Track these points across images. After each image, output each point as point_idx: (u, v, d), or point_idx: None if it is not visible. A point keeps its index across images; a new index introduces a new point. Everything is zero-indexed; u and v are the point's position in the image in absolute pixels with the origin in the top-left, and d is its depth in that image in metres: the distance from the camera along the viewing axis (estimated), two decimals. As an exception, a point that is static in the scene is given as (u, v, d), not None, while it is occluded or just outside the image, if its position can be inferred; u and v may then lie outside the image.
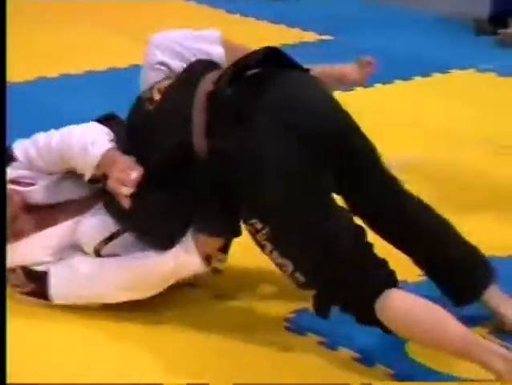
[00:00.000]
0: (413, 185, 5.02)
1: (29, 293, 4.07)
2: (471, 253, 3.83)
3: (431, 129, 6.12)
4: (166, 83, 3.95)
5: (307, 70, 3.96)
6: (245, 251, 4.00)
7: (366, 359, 3.63)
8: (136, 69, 5.24)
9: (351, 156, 3.74)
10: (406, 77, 7.06)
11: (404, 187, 3.90)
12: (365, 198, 3.83)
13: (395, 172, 4.72)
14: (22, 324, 3.90)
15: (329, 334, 3.76)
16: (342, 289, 3.54)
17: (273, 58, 3.83)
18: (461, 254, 3.81)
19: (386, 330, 3.53)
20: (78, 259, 3.96)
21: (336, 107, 3.82)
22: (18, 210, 4.10)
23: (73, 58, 7.60)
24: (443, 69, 7.24)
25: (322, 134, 3.65)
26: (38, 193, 4.08)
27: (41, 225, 4.09)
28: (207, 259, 3.84)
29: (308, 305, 3.85)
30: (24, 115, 4.97)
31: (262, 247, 3.62)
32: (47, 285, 3.97)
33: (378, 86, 6.76)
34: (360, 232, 3.61)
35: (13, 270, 4.04)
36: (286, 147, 3.58)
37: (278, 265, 3.62)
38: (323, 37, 8.09)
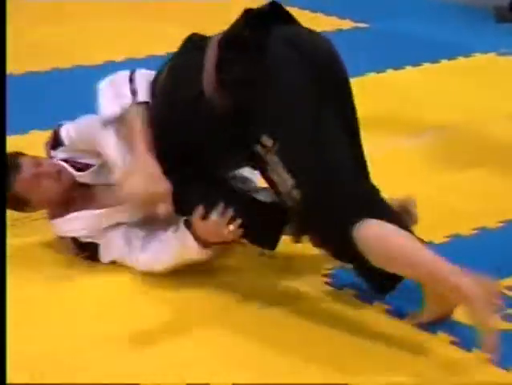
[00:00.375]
0: (446, 148, 5.37)
1: (83, 257, 4.13)
2: None
3: (457, 106, 6.09)
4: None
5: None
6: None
7: (395, 311, 3.65)
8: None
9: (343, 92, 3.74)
10: (434, 60, 6.99)
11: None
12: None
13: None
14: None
15: (363, 288, 3.76)
16: (327, 211, 3.52)
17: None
18: None
19: (360, 265, 3.51)
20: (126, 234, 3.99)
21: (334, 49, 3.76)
22: (67, 186, 4.14)
23: (115, 45, 7.56)
24: (467, 53, 7.18)
25: (326, 65, 3.64)
26: (85, 176, 4.11)
27: (84, 204, 4.11)
28: (205, 244, 3.79)
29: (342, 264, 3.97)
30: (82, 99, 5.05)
31: (268, 165, 3.58)
32: (99, 253, 4.04)
33: (408, 68, 6.81)
34: (359, 167, 3.64)
35: (62, 238, 4.16)
36: (298, 71, 3.57)
37: (277, 182, 3.59)
38: (359, 24, 8.03)
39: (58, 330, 3.70)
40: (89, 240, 4.02)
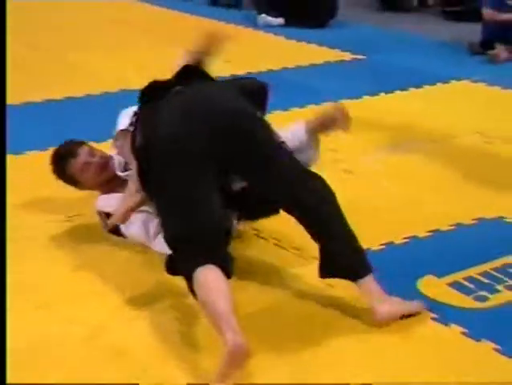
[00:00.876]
0: (419, 162, 5.44)
1: (109, 231, 4.23)
2: (351, 248, 3.65)
3: (435, 123, 6.18)
4: None
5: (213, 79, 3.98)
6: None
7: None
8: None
9: (246, 144, 3.66)
10: (418, 85, 7.12)
11: (310, 183, 3.71)
12: (263, 185, 3.77)
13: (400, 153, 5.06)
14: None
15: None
16: (182, 259, 3.50)
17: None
18: (341, 247, 3.63)
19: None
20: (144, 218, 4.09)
21: (229, 102, 3.77)
22: (109, 176, 4.37)
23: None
24: (445, 80, 7.31)
25: (222, 124, 3.62)
26: (123, 174, 4.29)
27: (118, 190, 4.24)
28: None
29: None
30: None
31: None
32: (121, 229, 4.15)
33: (397, 92, 6.98)
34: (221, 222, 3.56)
35: (99, 213, 4.31)
36: (185, 140, 3.60)
37: None
38: (358, 56, 8.07)
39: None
40: None
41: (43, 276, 4.09)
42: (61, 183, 4.48)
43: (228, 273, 3.39)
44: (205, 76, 3.99)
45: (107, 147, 4.55)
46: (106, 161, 4.40)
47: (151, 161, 3.64)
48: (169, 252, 3.68)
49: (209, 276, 3.39)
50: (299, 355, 3.39)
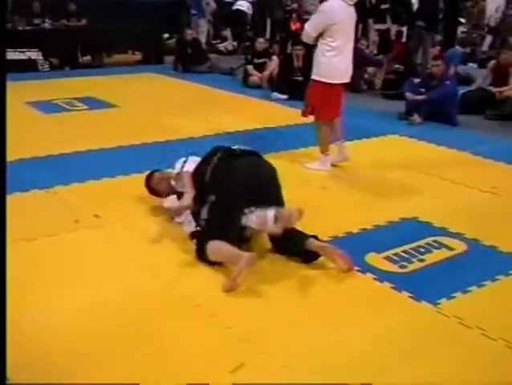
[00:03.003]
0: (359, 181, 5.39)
1: (170, 218, 4.29)
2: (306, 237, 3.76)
3: (373, 162, 6.06)
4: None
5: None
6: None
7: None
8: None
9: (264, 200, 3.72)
10: (367, 137, 7.06)
11: None
12: None
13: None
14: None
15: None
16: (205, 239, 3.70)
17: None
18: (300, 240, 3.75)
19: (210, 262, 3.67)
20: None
21: (265, 172, 3.87)
22: (170, 189, 4.39)
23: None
24: (383, 134, 7.23)
25: (257, 181, 3.77)
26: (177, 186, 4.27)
27: (176, 195, 4.25)
28: None
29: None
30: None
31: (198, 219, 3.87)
32: (174, 218, 4.26)
33: (355, 140, 6.82)
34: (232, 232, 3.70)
35: (168, 209, 4.31)
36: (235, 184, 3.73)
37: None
38: None
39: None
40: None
41: (147, 245, 4.08)
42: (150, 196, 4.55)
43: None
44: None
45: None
46: (168, 181, 4.46)
47: (214, 189, 3.82)
48: (190, 230, 3.96)
49: (218, 242, 3.62)
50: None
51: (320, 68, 5.47)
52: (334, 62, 5.42)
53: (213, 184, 3.85)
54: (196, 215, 3.99)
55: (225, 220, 3.74)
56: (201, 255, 3.73)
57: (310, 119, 5.92)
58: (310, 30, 5.41)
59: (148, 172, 4.66)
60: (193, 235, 4.00)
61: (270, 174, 3.89)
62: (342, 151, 5.93)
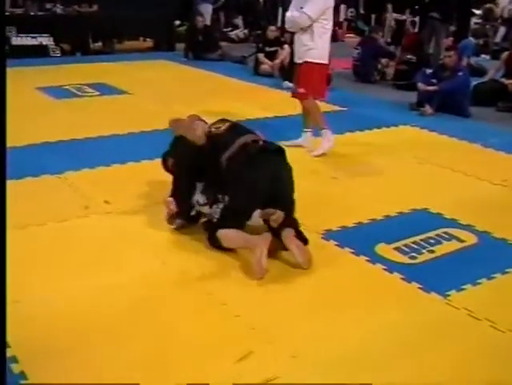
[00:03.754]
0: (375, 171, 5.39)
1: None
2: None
3: (384, 153, 6.04)
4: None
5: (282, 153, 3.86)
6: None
7: (356, 252, 3.83)
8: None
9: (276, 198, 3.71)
10: (378, 127, 7.04)
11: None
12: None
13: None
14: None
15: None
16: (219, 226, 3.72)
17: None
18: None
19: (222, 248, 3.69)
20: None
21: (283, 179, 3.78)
22: None
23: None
24: (395, 124, 7.22)
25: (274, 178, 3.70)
26: None
27: None
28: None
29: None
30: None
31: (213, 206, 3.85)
32: None
33: (366, 131, 6.91)
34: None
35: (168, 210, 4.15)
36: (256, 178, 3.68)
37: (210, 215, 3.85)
38: (342, 108, 7.93)
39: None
40: None
41: (157, 232, 4.06)
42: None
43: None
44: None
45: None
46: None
47: (231, 187, 3.81)
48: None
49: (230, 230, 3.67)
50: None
51: (317, 51, 5.63)
52: (327, 44, 5.68)
53: (230, 179, 3.79)
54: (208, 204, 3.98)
55: (239, 220, 3.77)
56: (214, 242, 3.73)
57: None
58: (313, 14, 5.48)
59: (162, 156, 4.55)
60: (205, 225, 3.97)
61: (288, 181, 3.83)
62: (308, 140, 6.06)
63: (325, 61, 5.76)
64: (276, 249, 3.71)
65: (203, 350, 2.84)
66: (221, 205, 3.81)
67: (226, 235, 3.68)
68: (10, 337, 2.60)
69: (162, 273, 3.54)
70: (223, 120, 4.12)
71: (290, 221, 3.76)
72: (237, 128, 4.03)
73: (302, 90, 5.85)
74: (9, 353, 2.67)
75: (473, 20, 14.24)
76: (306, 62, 5.68)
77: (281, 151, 3.87)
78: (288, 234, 3.67)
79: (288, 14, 5.69)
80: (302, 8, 5.52)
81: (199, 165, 3.98)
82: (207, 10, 13.51)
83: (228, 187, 3.80)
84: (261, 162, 3.73)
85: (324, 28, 5.61)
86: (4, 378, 2.16)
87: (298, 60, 5.78)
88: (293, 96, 6.11)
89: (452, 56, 8.12)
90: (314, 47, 5.61)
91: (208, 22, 13.04)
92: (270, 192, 3.70)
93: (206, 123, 4.21)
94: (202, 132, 4.03)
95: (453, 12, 11.04)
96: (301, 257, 3.60)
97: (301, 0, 5.56)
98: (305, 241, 3.72)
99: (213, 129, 4.02)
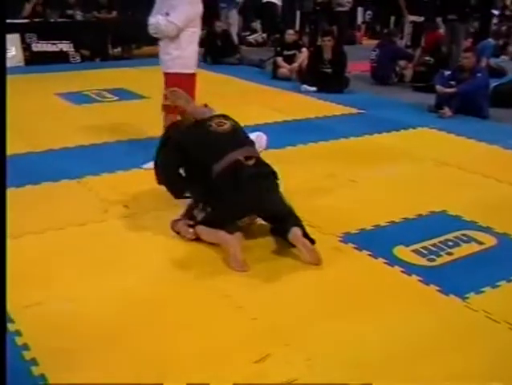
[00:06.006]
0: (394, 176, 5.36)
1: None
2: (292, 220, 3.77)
3: (403, 154, 6.07)
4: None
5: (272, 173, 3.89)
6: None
7: (374, 255, 3.83)
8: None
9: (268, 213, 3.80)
10: (397, 129, 7.00)
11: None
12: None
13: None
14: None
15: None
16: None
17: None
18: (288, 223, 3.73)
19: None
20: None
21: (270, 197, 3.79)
22: None
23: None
24: (414, 126, 7.18)
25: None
26: None
27: None
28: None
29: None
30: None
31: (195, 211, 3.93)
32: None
33: (384, 133, 6.87)
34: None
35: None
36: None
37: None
38: (360, 110, 7.93)
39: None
40: None
41: (176, 237, 4.05)
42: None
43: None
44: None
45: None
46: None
47: (214, 202, 3.87)
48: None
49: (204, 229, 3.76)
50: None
51: (183, 60, 5.21)
52: (195, 53, 5.27)
53: (216, 195, 3.82)
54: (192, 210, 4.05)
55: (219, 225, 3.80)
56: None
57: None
58: (181, 23, 5.04)
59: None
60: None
61: (278, 199, 3.86)
62: None
63: (191, 70, 5.29)
64: (283, 247, 3.76)
65: (221, 350, 2.85)
66: (203, 213, 3.90)
67: (202, 230, 3.79)
68: (29, 339, 2.63)
69: (181, 275, 3.55)
70: (225, 118, 4.09)
71: (296, 221, 3.76)
72: (236, 134, 4.00)
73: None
74: (29, 355, 2.73)
75: (493, 21, 14.15)
76: (171, 72, 5.26)
77: (272, 175, 3.88)
78: (296, 233, 3.67)
79: (152, 19, 5.11)
80: (167, 13, 5.02)
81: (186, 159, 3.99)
82: (234, 16, 13.64)
83: (212, 202, 3.86)
84: (249, 187, 3.73)
85: (192, 37, 5.19)
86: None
87: (164, 70, 5.33)
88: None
89: (469, 57, 8.05)
90: (180, 56, 5.19)
91: (235, 31, 13.17)
92: (258, 210, 3.82)
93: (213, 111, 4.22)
94: (202, 114, 4.09)
95: (471, 12, 10.95)
96: (309, 256, 3.62)
97: (166, 4, 5.05)
98: (311, 241, 3.70)
99: (213, 124, 3.99)
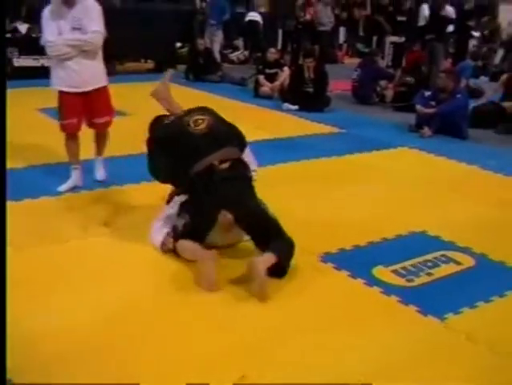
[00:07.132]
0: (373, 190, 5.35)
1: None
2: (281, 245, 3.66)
3: (382, 174, 6.09)
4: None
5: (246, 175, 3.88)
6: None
7: (353, 275, 3.82)
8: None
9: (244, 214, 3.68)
10: (375, 149, 7.02)
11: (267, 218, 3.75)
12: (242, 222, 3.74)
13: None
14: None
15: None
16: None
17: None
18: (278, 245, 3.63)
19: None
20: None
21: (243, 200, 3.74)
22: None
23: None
24: (394, 146, 7.23)
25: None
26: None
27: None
28: None
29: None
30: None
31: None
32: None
33: (365, 152, 6.90)
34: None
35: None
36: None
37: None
38: (341, 130, 7.96)
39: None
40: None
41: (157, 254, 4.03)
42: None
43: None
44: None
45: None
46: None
47: (190, 207, 3.91)
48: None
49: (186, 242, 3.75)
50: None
51: (104, 71, 5.29)
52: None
53: (193, 198, 3.88)
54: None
55: (196, 238, 3.81)
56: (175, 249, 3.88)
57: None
58: (103, 30, 5.07)
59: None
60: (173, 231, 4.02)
61: (255, 204, 3.83)
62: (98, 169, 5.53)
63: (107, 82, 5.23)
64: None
65: (199, 369, 2.83)
66: (183, 221, 3.88)
67: (181, 246, 3.78)
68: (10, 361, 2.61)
69: (161, 292, 3.54)
70: (203, 113, 4.15)
71: (278, 247, 3.64)
72: (213, 134, 3.97)
73: (108, 118, 5.44)
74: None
75: (472, 42, 14.35)
76: (100, 87, 5.29)
77: (246, 177, 3.89)
78: (263, 258, 3.51)
79: (68, 36, 4.81)
80: (77, 29, 4.81)
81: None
82: (220, 34, 13.82)
83: (189, 206, 3.88)
84: (221, 188, 3.72)
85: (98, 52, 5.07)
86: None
87: (94, 86, 5.24)
88: (92, 127, 5.52)
89: (443, 78, 8.15)
90: (102, 68, 5.25)
91: (218, 46, 13.34)
92: (230, 209, 3.70)
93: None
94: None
95: (446, 31, 11.11)
96: (256, 287, 3.45)
97: (70, 20, 4.78)
98: (281, 274, 3.62)
99: (191, 124, 4.00)
